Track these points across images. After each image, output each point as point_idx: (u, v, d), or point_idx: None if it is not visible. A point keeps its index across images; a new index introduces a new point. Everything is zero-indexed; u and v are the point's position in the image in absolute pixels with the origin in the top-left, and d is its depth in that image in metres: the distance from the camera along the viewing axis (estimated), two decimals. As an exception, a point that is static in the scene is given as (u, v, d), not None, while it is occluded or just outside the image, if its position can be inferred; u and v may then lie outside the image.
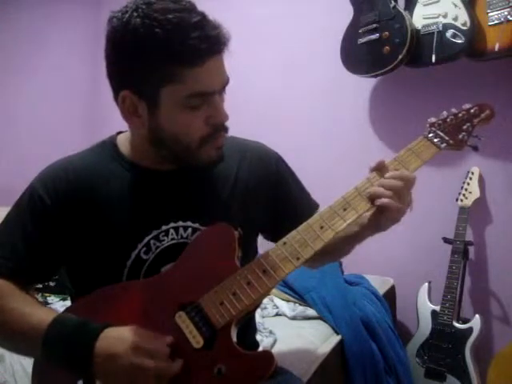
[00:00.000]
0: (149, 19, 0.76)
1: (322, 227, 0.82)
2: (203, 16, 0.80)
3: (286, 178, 1.06)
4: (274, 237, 0.87)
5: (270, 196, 1.01)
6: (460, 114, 0.94)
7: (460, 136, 0.92)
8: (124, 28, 0.78)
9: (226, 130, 0.89)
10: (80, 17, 2.89)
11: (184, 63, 0.78)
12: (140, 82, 0.82)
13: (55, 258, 0.91)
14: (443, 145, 0.91)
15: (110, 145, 0.96)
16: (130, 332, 0.76)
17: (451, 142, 0.91)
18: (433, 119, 0.94)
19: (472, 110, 0.94)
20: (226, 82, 0.86)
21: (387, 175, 0.85)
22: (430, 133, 0.92)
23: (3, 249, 0.88)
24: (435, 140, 0.91)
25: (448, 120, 0.93)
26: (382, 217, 0.85)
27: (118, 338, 0.75)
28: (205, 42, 0.78)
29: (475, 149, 0.94)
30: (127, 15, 0.78)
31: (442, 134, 0.91)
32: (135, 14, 0.77)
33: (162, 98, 0.81)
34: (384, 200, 0.81)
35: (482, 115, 0.94)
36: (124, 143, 0.95)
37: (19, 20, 2.59)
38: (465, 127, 0.93)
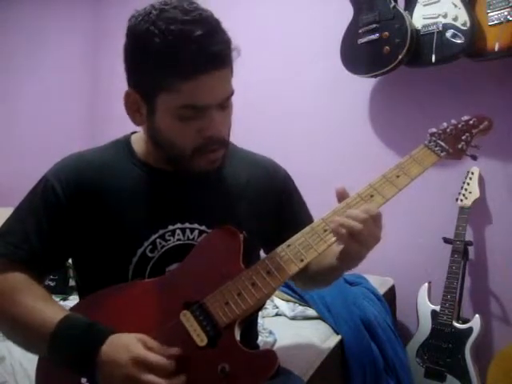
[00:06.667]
0: (153, 27, 0.78)
1: (325, 230, 0.84)
2: (210, 30, 0.79)
3: (292, 196, 1.08)
4: (271, 249, 0.87)
5: (274, 210, 1.02)
6: (459, 125, 0.97)
7: (459, 146, 0.95)
8: (132, 31, 0.82)
9: (223, 144, 0.88)
10: (79, 15, 2.88)
11: (177, 75, 0.79)
12: (140, 84, 0.85)
13: (65, 248, 0.92)
14: (443, 153, 0.94)
15: (124, 143, 0.98)
16: (136, 341, 0.76)
17: (451, 150, 0.94)
18: (433, 129, 0.97)
19: (471, 122, 0.97)
20: (225, 96, 0.85)
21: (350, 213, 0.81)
22: (430, 142, 0.95)
23: (15, 237, 0.88)
24: (435, 148, 0.94)
25: (448, 130, 0.96)
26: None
27: (123, 345, 0.75)
28: (201, 57, 0.77)
29: (474, 158, 0.97)
30: (140, 18, 0.80)
31: (441, 143, 0.95)
32: (146, 18, 0.79)
33: (157, 103, 0.83)
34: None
35: (481, 126, 0.97)
36: (137, 142, 0.97)
37: (18, 19, 2.59)
38: (464, 137, 0.96)
